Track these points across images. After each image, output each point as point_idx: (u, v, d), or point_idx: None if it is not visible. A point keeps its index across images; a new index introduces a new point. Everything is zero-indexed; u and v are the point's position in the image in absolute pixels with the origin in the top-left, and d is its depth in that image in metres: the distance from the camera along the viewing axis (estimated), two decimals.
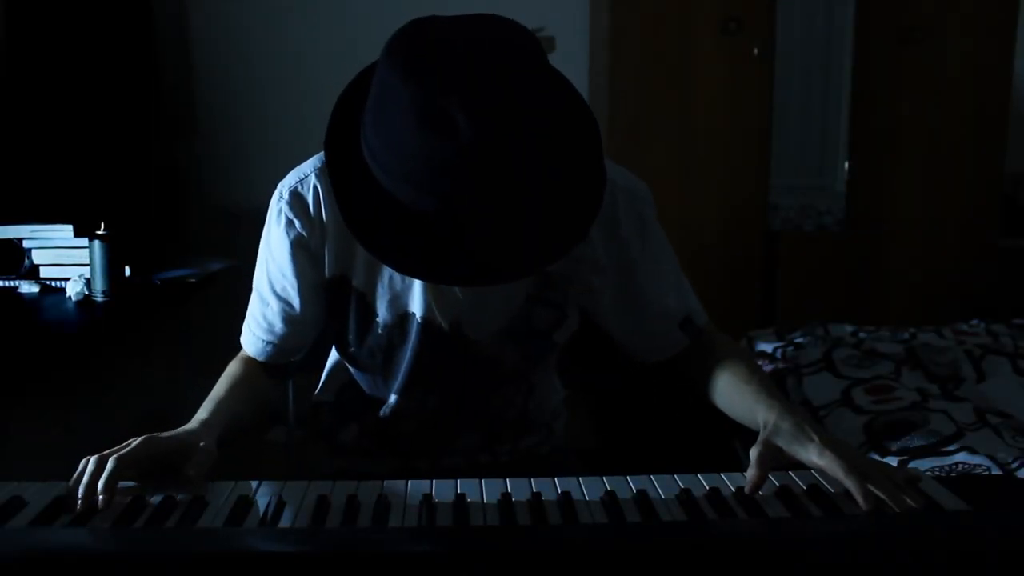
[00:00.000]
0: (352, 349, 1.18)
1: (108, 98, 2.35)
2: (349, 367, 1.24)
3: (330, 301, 1.15)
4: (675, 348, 1.21)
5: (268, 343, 1.18)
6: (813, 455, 0.94)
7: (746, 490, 0.92)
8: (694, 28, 2.64)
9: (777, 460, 0.96)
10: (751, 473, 0.93)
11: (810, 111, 2.74)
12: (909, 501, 0.88)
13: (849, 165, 2.73)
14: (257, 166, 3.01)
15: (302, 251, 1.11)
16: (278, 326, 1.16)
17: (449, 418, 1.23)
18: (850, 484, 0.89)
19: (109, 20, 2.37)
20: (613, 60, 2.67)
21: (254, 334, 1.18)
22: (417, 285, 1.12)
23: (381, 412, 1.22)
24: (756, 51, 2.62)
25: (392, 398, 1.21)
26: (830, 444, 0.94)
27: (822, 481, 0.96)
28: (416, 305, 1.13)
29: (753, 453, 0.95)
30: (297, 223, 1.10)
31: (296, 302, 1.14)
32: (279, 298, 1.15)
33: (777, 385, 2.06)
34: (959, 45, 2.72)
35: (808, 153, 2.78)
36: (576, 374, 1.39)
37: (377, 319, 1.14)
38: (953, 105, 2.76)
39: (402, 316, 1.14)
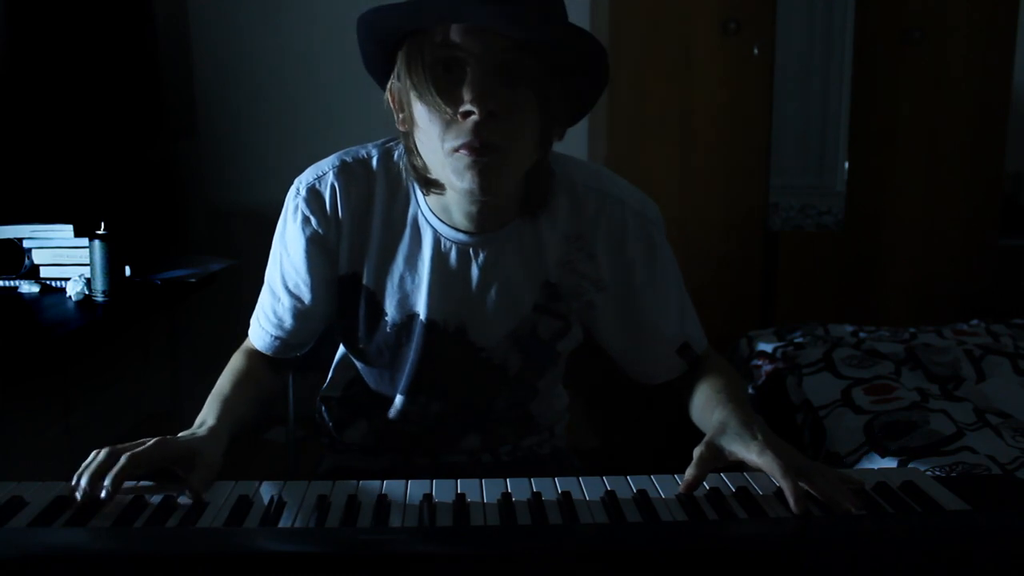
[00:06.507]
0: (361, 345, 1.19)
1: (108, 98, 2.35)
2: (356, 362, 1.25)
3: (341, 298, 1.16)
4: (671, 373, 1.21)
5: (276, 338, 1.19)
6: (753, 454, 0.94)
7: (680, 490, 0.92)
8: (694, 28, 2.64)
9: (719, 460, 0.96)
10: (688, 472, 0.93)
11: (810, 111, 2.73)
12: (846, 504, 0.88)
13: (849, 165, 2.72)
14: (257, 166, 3.02)
15: (317, 248, 1.12)
16: (288, 321, 1.17)
17: (452, 422, 1.23)
18: (784, 484, 0.89)
19: (109, 20, 2.37)
20: (613, 60, 2.66)
21: (263, 328, 1.19)
22: (424, 287, 1.13)
23: (389, 414, 1.23)
24: (756, 51, 2.62)
25: (398, 399, 1.21)
26: (772, 445, 0.94)
27: None
28: (422, 307, 1.13)
29: (695, 453, 0.95)
30: (313, 220, 1.11)
31: (307, 298, 1.15)
32: (291, 294, 1.16)
33: (777, 385, 2.06)
34: (959, 45, 2.72)
35: (808, 153, 2.77)
36: (581, 385, 1.40)
37: (386, 318, 1.15)
38: (953, 105, 2.76)
39: (409, 316, 1.15)
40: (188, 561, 0.74)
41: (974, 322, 2.39)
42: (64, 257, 2.05)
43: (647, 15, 2.64)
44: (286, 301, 1.16)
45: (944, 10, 2.70)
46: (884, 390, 1.87)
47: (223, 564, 0.74)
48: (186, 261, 2.40)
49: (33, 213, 2.10)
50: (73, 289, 1.92)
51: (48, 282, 2.04)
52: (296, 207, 1.12)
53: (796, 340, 2.26)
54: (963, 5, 2.70)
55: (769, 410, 2.03)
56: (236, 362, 1.19)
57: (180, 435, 1.00)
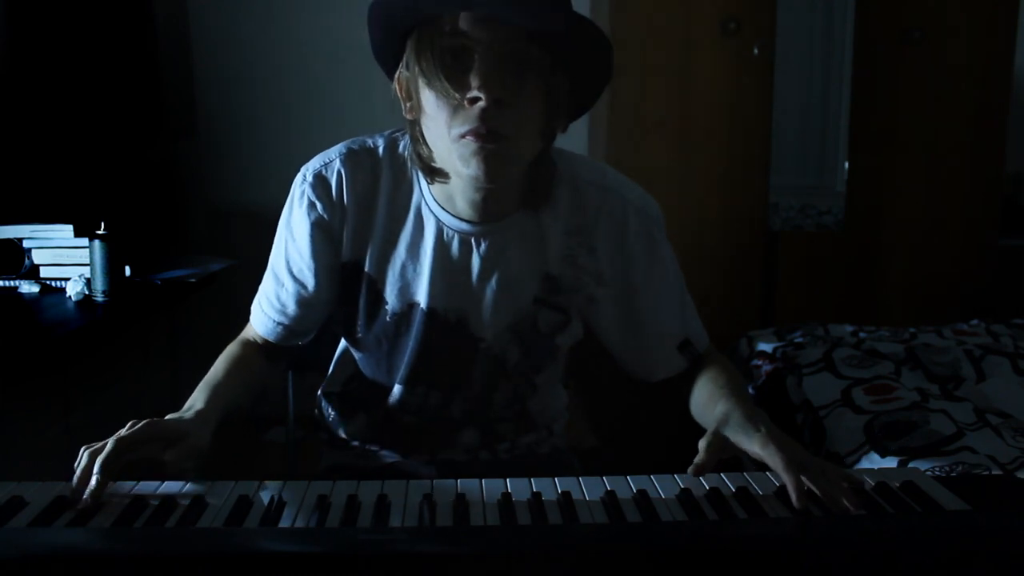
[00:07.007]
0: (360, 335, 1.20)
1: (108, 98, 2.35)
2: (353, 351, 1.25)
3: (343, 285, 1.17)
4: (671, 370, 1.22)
5: (279, 324, 1.20)
6: (756, 446, 0.95)
7: (689, 471, 0.92)
8: (694, 28, 2.64)
9: (724, 449, 0.97)
10: (698, 457, 0.93)
11: (810, 111, 2.73)
12: (844, 502, 0.88)
13: (849, 165, 2.72)
14: (257, 166, 3.02)
15: (321, 233, 1.13)
16: (291, 307, 1.18)
17: (450, 413, 1.23)
18: (786, 478, 0.90)
19: (109, 20, 2.37)
20: (613, 59, 2.67)
21: (266, 314, 1.20)
22: (425, 276, 1.13)
23: (388, 405, 1.23)
24: (756, 51, 2.62)
25: (396, 389, 1.22)
26: (775, 438, 0.94)
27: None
28: (422, 296, 1.14)
29: (702, 443, 0.96)
30: (319, 205, 1.12)
31: (311, 284, 1.16)
32: (295, 279, 1.17)
33: (777, 385, 2.06)
34: (959, 45, 2.72)
35: (808, 153, 2.77)
36: (581, 384, 1.39)
37: (386, 306, 1.16)
38: (953, 105, 2.76)
39: (410, 305, 1.16)
40: (188, 561, 0.74)
41: (974, 322, 2.39)
42: (64, 257, 2.05)
43: (647, 15, 2.64)
44: (290, 287, 1.17)
45: (944, 10, 2.70)
46: (884, 390, 1.87)
47: (223, 564, 0.74)
48: (186, 261, 2.39)
49: (33, 213, 2.10)
50: (73, 289, 1.92)
51: (48, 282, 2.04)
52: (302, 193, 1.13)
53: (796, 340, 2.25)
54: (963, 5, 2.70)
55: (769, 410, 2.03)
56: (231, 349, 1.21)
57: (167, 417, 1.00)
